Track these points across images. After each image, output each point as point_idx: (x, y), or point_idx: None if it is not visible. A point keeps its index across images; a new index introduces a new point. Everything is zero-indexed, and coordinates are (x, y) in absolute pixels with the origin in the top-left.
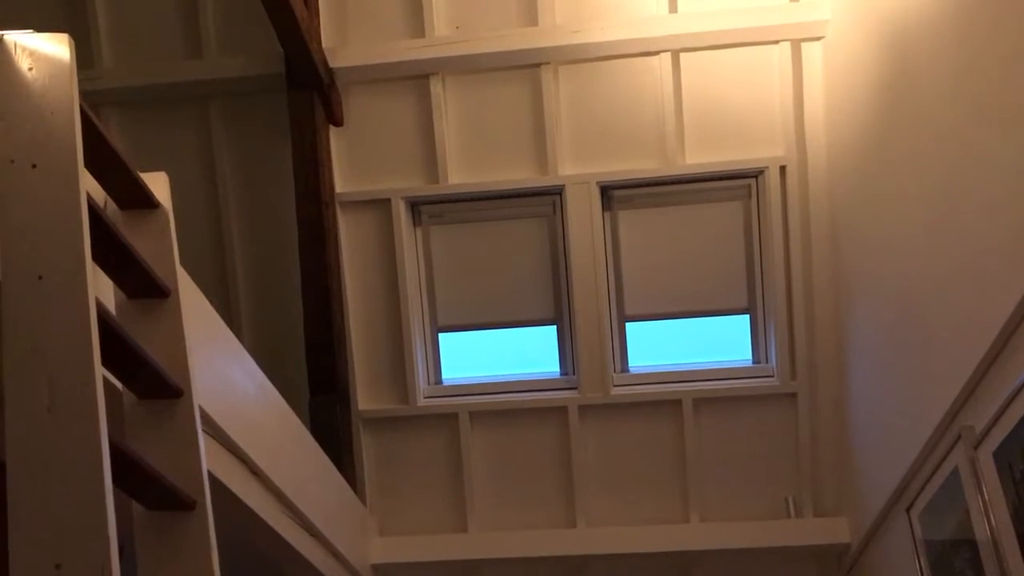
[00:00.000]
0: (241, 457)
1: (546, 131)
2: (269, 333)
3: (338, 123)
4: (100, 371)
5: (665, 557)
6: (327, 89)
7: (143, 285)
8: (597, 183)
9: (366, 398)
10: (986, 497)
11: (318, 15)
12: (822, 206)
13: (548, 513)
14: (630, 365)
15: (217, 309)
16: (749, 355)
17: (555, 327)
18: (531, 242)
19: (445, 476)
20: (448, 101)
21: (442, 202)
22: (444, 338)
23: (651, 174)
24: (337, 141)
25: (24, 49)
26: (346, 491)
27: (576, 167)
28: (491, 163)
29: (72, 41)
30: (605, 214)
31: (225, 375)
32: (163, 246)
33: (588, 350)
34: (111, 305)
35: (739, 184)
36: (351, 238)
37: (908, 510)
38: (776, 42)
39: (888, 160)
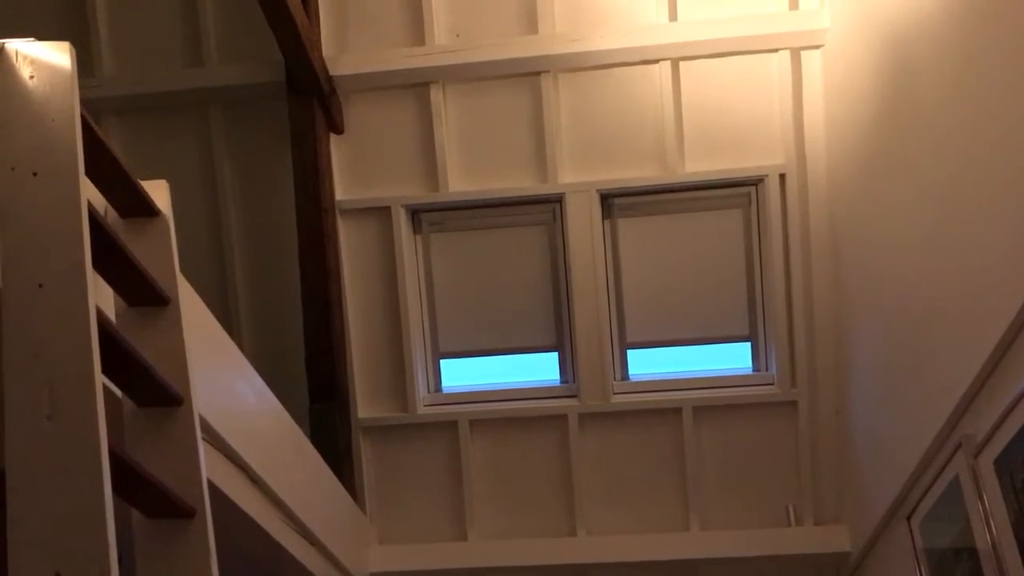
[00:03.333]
0: (241, 465)
1: (546, 139)
2: (269, 340)
3: (338, 131)
4: (100, 379)
5: (665, 565)
6: (327, 97)
7: (143, 293)
8: (597, 191)
9: (366, 406)
10: (987, 505)
11: (319, 23)
12: (822, 214)
13: (548, 521)
14: (630, 373)
15: (217, 317)
16: (749, 363)
17: (556, 354)
18: (531, 252)
19: (445, 484)
20: (448, 109)
21: (442, 210)
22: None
23: (651, 182)
24: (337, 149)
25: (25, 57)
26: (345, 499)
27: (576, 175)
28: (491, 171)
29: (73, 49)
30: (605, 222)
31: (225, 383)
32: (163, 254)
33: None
34: (111, 313)
35: (739, 192)
36: (351, 246)
37: (909, 518)
38: (776, 50)
39: (887, 167)
